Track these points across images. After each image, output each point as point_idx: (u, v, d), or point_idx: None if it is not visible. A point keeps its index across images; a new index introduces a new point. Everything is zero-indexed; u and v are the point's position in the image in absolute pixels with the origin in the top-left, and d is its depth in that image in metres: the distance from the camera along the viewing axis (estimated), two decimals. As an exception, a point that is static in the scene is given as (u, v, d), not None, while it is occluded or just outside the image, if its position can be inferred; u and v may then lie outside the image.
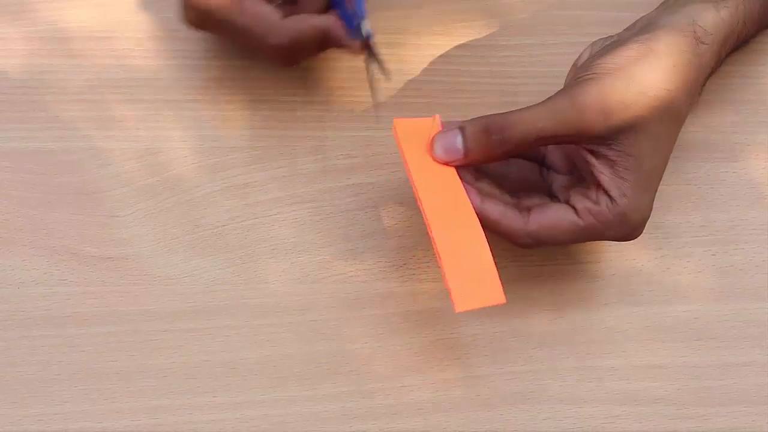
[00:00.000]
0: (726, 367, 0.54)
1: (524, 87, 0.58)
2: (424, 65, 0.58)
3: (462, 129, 0.49)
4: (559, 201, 0.50)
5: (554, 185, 0.52)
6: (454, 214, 0.48)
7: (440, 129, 0.50)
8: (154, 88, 0.57)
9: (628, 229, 0.49)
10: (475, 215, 0.48)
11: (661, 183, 0.50)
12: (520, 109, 0.48)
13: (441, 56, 0.58)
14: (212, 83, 0.57)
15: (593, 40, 0.58)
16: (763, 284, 0.55)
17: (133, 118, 0.56)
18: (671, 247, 0.56)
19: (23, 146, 0.56)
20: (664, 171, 0.50)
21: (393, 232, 0.55)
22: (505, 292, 0.53)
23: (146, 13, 0.58)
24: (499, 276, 0.48)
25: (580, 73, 0.49)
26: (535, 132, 0.47)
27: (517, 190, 0.51)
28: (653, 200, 0.50)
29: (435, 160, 0.49)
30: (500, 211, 0.49)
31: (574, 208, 0.49)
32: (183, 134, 0.56)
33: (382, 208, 0.56)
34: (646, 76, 0.48)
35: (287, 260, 0.55)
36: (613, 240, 0.51)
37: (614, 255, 0.55)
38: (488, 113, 0.55)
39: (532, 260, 0.55)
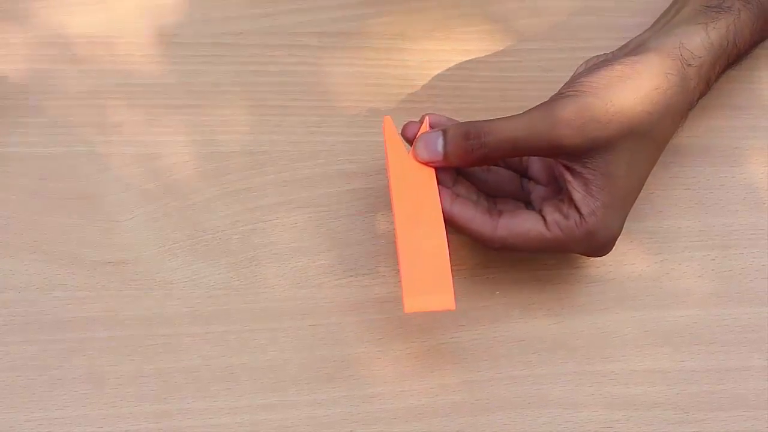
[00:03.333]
0: (725, 372, 0.54)
1: (524, 92, 0.58)
2: (425, 70, 0.58)
3: (444, 132, 0.50)
4: (532, 209, 0.51)
5: (533, 195, 0.53)
6: (422, 217, 0.50)
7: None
8: (155, 93, 0.57)
9: (595, 246, 0.50)
10: (442, 221, 0.49)
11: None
12: (500, 118, 0.49)
13: (441, 61, 0.58)
14: (212, 88, 0.57)
15: (592, 45, 0.58)
16: (762, 289, 0.55)
17: (134, 123, 0.56)
18: (670, 252, 0.56)
19: (24, 151, 0.56)
20: (639, 192, 0.51)
21: (392, 237, 0.55)
22: (504, 297, 0.53)
23: (147, 18, 0.58)
24: (453, 282, 0.48)
25: (563, 90, 0.50)
26: (509, 141, 0.49)
27: (494, 196, 0.52)
28: (624, 220, 0.51)
29: (416, 159, 0.50)
30: (470, 215, 0.50)
31: (544, 218, 0.50)
32: (183, 139, 0.56)
33: (382, 212, 0.56)
34: (625, 97, 0.48)
35: (287, 265, 0.55)
36: (580, 254, 0.52)
37: (613, 260, 0.55)
38: (485, 118, 0.56)
39: (532, 265, 0.55)
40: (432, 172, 0.50)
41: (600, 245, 0.50)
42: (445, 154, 0.50)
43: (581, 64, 0.53)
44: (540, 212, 0.50)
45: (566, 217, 0.49)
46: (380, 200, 0.56)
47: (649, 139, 0.49)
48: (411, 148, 0.51)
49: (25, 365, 0.52)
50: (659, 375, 0.54)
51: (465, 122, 0.50)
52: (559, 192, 0.51)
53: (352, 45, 0.58)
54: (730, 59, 0.53)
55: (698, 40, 0.50)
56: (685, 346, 0.54)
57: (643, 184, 0.51)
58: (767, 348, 0.54)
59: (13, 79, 0.57)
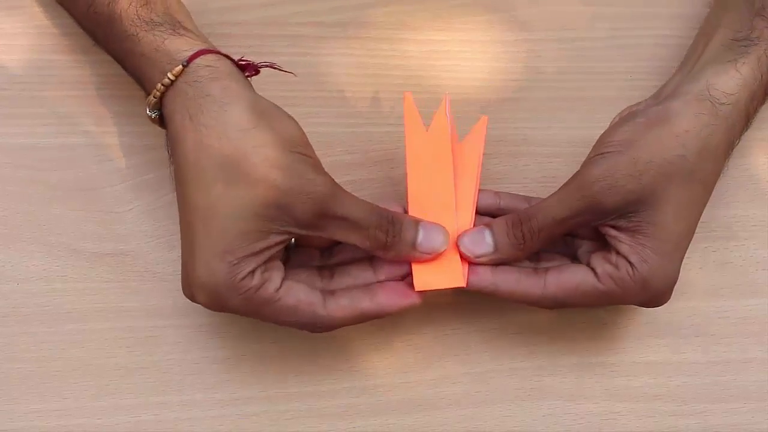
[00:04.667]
0: (725, 364, 0.54)
1: (525, 83, 0.57)
2: (425, 61, 0.58)
3: (490, 226, 0.49)
4: (594, 279, 0.49)
5: (580, 251, 0.51)
6: (434, 195, 0.50)
7: (447, 109, 0.50)
8: (154, 83, 0.57)
9: (650, 295, 0.48)
10: (453, 200, 0.49)
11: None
12: (537, 203, 0.49)
13: (442, 52, 0.58)
14: (212, 78, 0.57)
15: (593, 35, 0.58)
16: (763, 281, 0.55)
17: (132, 114, 0.56)
18: (671, 244, 0.56)
19: (22, 142, 0.55)
20: (691, 236, 0.49)
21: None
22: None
23: (145, 8, 0.58)
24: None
25: (592, 153, 0.48)
26: (553, 219, 0.48)
27: (539, 255, 0.51)
28: (679, 267, 0.48)
29: (462, 257, 0.49)
30: (514, 278, 0.49)
31: (594, 271, 0.48)
32: (182, 130, 0.56)
33: (382, 203, 0.55)
34: (653, 146, 0.47)
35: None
36: (636, 305, 0.50)
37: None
38: (489, 110, 0.55)
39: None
40: (449, 154, 0.50)
41: (655, 293, 0.48)
42: (497, 246, 0.49)
43: (615, 116, 0.52)
44: (588, 264, 0.49)
45: (617, 267, 0.47)
46: (380, 191, 0.56)
47: (693, 183, 0.47)
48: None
49: (24, 357, 0.52)
50: (660, 367, 0.54)
51: (508, 215, 0.49)
52: (607, 244, 0.49)
53: (352, 35, 0.58)
54: (767, 89, 0.50)
55: (728, 79, 0.49)
56: (686, 338, 0.54)
57: (695, 229, 0.49)
58: (768, 340, 0.55)
59: (11, 70, 0.56)
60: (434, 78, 0.57)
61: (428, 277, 0.49)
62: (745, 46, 0.50)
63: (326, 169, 0.56)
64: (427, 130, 0.50)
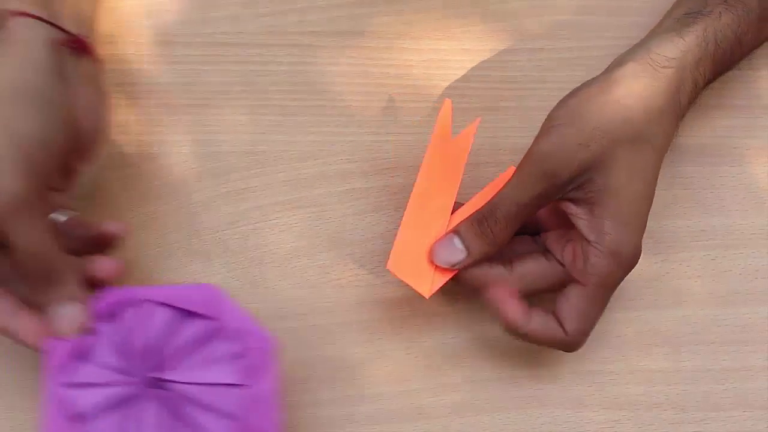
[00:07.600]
0: (725, 372, 0.54)
1: (524, 92, 0.58)
2: (425, 70, 0.58)
3: (456, 231, 0.50)
4: (558, 264, 0.50)
5: (548, 242, 0.51)
6: (434, 202, 0.51)
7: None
8: (154, 92, 0.57)
9: (624, 263, 0.48)
10: (449, 215, 0.51)
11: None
12: (497, 192, 0.49)
13: (442, 61, 0.58)
14: (212, 88, 0.57)
15: (592, 44, 0.58)
16: (762, 289, 0.55)
17: (133, 123, 0.56)
18: (670, 252, 0.56)
19: (23, 151, 0.55)
20: (650, 199, 0.49)
21: (392, 237, 0.55)
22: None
23: (146, 18, 0.58)
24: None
25: (541, 130, 0.49)
26: (516, 204, 0.48)
27: (511, 258, 0.51)
28: (642, 229, 0.49)
29: (438, 267, 0.50)
30: (482, 274, 0.50)
31: (578, 282, 0.49)
32: (183, 139, 0.56)
33: (382, 212, 0.56)
34: (598, 112, 0.48)
35: (287, 265, 0.55)
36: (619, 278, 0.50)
37: (613, 259, 0.55)
38: (488, 119, 0.56)
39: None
40: (462, 166, 0.51)
41: (627, 259, 0.48)
42: (468, 249, 0.50)
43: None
44: (562, 260, 0.50)
45: (586, 258, 0.48)
46: (380, 200, 0.56)
47: (641, 144, 0.48)
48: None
49: (23, 366, 0.52)
50: (659, 375, 0.54)
51: (470, 216, 0.50)
52: (570, 228, 0.50)
53: (352, 44, 0.58)
54: (716, 59, 0.52)
55: (669, 45, 0.50)
56: (685, 346, 0.54)
57: (652, 192, 0.49)
58: (767, 348, 0.55)
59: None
60: (433, 87, 0.58)
61: (403, 266, 0.50)
62: (692, 18, 0.51)
63: (326, 178, 0.56)
64: (451, 140, 0.51)
